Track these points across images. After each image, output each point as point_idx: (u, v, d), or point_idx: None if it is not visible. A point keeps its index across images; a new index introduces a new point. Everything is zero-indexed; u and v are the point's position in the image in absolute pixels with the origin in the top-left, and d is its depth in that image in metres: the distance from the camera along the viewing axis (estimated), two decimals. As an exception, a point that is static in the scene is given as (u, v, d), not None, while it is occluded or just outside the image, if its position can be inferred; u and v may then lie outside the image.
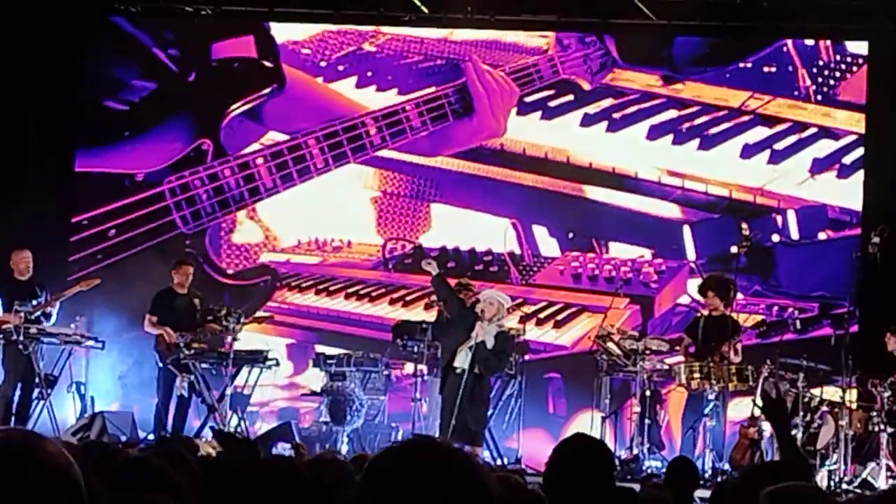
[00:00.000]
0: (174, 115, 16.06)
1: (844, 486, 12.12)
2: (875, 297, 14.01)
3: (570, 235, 15.58)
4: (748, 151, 15.29)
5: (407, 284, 15.77)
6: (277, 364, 14.57)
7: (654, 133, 15.50)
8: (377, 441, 13.98)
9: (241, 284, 16.01)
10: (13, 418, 13.42)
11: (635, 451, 13.19)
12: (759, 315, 14.89)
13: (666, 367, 13.66)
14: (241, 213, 16.12)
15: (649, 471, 12.72)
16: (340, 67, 16.22)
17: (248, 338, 14.74)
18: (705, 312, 13.57)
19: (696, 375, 13.04)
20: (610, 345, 13.61)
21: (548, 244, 15.60)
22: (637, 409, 13.35)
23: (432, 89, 16.02)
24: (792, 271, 14.98)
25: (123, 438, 13.35)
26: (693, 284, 14.65)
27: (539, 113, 15.76)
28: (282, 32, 16.17)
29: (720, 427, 13.12)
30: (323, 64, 16.22)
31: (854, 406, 12.80)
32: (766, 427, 12.71)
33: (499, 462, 13.11)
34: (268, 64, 16.05)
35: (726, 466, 12.83)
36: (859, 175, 14.88)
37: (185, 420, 13.74)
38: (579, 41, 15.64)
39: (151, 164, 15.98)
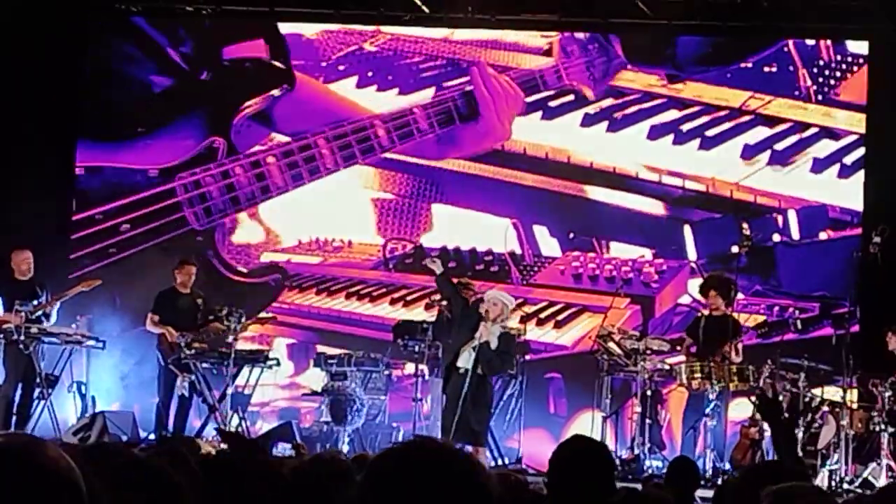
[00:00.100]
0: (187, 113, 16.10)
1: (845, 485, 12.12)
2: (876, 296, 14.01)
3: (571, 235, 15.58)
4: (749, 151, 15.28)
5: (407, 284, 15.77)
6: (278, 364, 14.58)
7: (655, 133, 15.50)
8: (378, 441, 13.99)
9: (251, 282, 16.02)
10: (14, 418, 13.43)
11: (636, 451, 13.19)
12: (760, 315, 14.89)
13: (667, 366, 13.66)
14: (243, 212, 16.14)
15: (650, 471, 12.73)
16: (341, 67, 16.23)
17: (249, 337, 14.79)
18: (706, 312, 13.58)
19: (697, 375, 13.04)
20: (611, 345, 13.62)
21: (548, 244, 15.60)
22: (638, 408, 13.36)
23: (432, 90, 16.02)
24: (793, 271, 14.98)
25: (124, 438, 13.35)
26: (694, 284, 14.65)
27: (540, 113, 15.76)
28: (284, 29, 16.21)
29: (721, 427, 13.12)
30: (323, 64, 16.22)
31: (855, 406, 12.80)
32: (767, 427, 12.72)
33: (500, 462, 13.12)
34: (279, 65, 16.08)
35: (727, 466, 12.83)
36: (860, 175, 14.88)
37: (186, 420, 13.74)
38: (582, 48, 15.62)
39: (164, 161, 16.01)
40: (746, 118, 15.35)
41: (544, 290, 15.49)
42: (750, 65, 15.40)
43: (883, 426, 12.39)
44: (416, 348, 13.94)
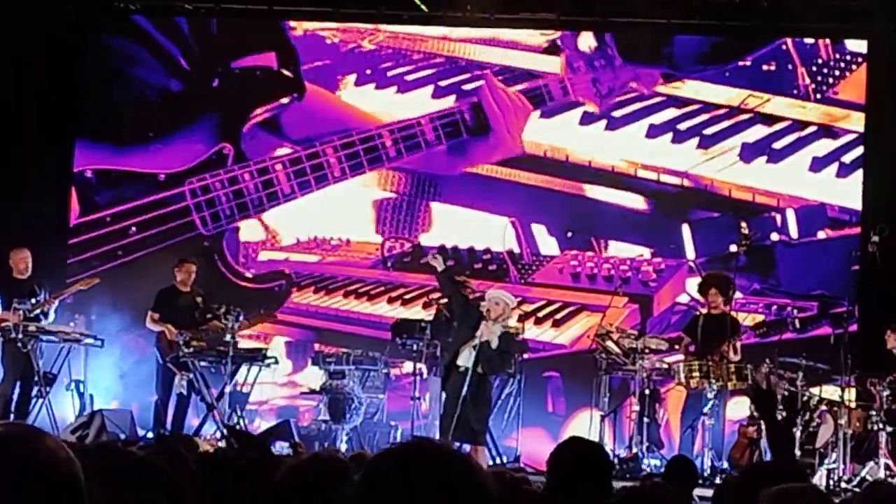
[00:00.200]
0: (196, 119, 16.11)
1: (843, 485, 12.12)
2: (874, 296, 14.01)
3: (569, 234, 15.59)
4: (747, 150, 15.28)
5: (406, 283, 15.78)
6: (276, 362, 14.59)
7: (654, 132, 15.50)
8: (376, 439, 13.99)
9: (257, 288, 16.03)
10: (12, 416, 13.42)
11: (634, 450, 13.19)
12: (759, 314, 14.89)
13: (665, 365, 13.67)
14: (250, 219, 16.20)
15: (648, 469, 12.72)
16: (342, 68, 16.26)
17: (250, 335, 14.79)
18: (704, 311, 13.59)
19: (696, 374, 13.05)
20: (609, 343, 13.62)
21: (547, 243, 15.60)
22: (636, 407, 13.35)
23: (430, 88, 16.03)
24: (791, 270, 14.98)
25: (122, 436, 13.35)
26: (692, 283, 14.65)
27: (538, 112, 15.75)
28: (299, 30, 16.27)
29: (719, 426, 13.13)
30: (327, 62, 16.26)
31: (853, 405, 12.80)
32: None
33: (498, 461, 13.12)
34: (287, 74, 16.10)
35: (725, 465, 12.83)
36: (858, 174, 14.88)
37: (184, 418, 13.75)
38: (588, 64, 15.61)
39: (173, 166, 16.03)
40: (745, 117, 15.35)
41: (542, 289, 15.49)
42: (748, 63, 15.40)
43: (881, 425, 12.40)
44: (415, 347, 13.95)
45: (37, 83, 15.58)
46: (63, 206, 16.06)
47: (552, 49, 15.83)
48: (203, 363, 13.70)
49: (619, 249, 15.47)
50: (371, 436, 14.16)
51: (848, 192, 14.90)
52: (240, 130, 16.04)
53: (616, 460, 13.09)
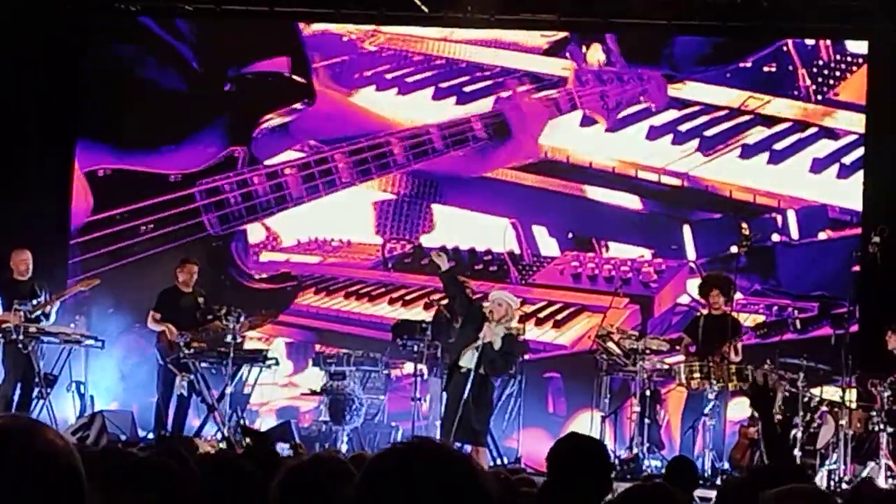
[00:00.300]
0: (209, 122, 16.13)
1: (844, 485, 12.11)
2: (875, 296, 14.01)
3: (570, 235, 15.59)
4: (748, 151, 15.28)
5: (406, 284, 15.78)
6: (277, 363, 14.59)
7: (654, 133, 15.50)
8: (377, 440, 13.99)
9: (265, 289, 16.03)
10: (13, 417, 13.42)
11: (635, 451, 13.18)
12: (760, 315, 14.89)
13: (666, 366, 13.66)
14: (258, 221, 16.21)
15: (649, 470, 12.71)
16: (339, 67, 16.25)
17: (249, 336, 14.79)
18: (705, 312, 13.59)
19: (696, 375, 13.05)
20: (610, 344, 13.61)
21: (547, 244, 15.60)
22: (637, 408, 13.35)
23: (431, 90, 16.04)
24: (792, 271, 14.98)
25: (123, 438, 13.36)
26: (693, 284, 14.64)
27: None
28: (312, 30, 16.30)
29: (720, 426, 13.13)
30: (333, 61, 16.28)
31: (854, 406, 12.80)
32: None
33: (499, 461, 13.11)
34: (299, 80, 16.11)
35: (726, 466, 12.84)
36: (859, 175, 14.87)
37: (185, 419, 13.75)
38: (597, 78, 15.61)
39: (184, 167, 16.05)
40: (745, 118, 15.35)
41: (543, 290, 15.48)
42: (749, 64, 15.40)
43: (882, 426, 12.39)
44: (415, 348, 13.94)
45: (37, 83, 15.58)
46: (63, 206, 16.06)
47: (552, 50, 15.83)
48: (204, 364, 13.70)
49: (619, 250, 15.47)
50: (372, 437, 14.16)
51: (848, 193, 14.89)
52: (251, 134, 16.07)
53: (617, 461, 13.09)
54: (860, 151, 14.93)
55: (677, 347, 13.83)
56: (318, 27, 16.23)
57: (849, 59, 15.17)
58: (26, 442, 2.09)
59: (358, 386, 14.24)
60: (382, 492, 2.21)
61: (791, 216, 15.03)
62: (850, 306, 13.72)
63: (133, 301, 14.79)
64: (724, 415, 13.13)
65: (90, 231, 16.09)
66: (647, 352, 13.52)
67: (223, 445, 12.56)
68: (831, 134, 15.12)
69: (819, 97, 15.19)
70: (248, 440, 13.29)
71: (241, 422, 13.74)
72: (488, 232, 15.69)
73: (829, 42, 15.19)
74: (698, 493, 7.86)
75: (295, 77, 16.18)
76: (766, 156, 15.24)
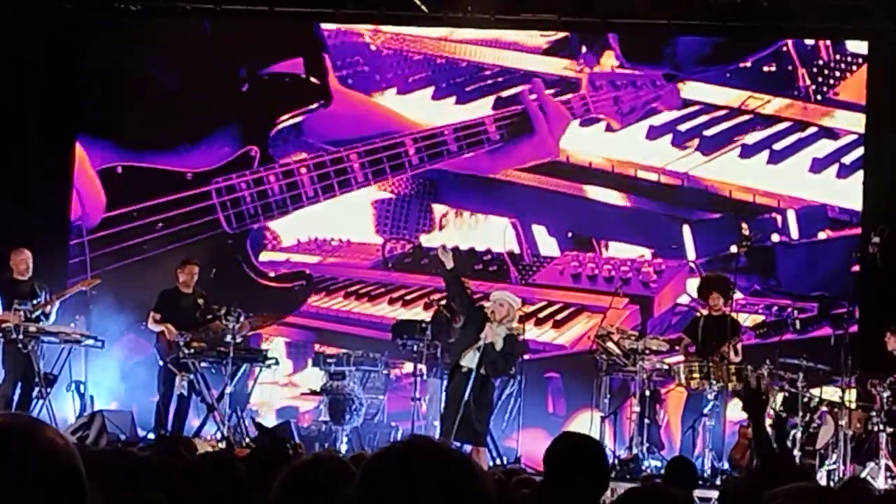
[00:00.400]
0: (225, 121, 16.11)
1: (844, 485, 12.11)
2: (875, 296, 14.01)
3: (570, 235, 15.59)
4: (748, 151, 15.28)
5: (406, 284, 15.78)
6: (277, 363, 14.59)
7: (654, 133, 15.50)
8: (376, 440, 13.99)
9: (277, 288, 16.04)
10: (12, 417, 13.42)
11: (635, 451, 13.18)
12: (759, 315, 14.89)
13: (665, 366, 13.66)
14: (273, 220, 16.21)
15: (649, 471, 12.71)
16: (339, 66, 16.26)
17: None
18: (705, 312, 13.59)
19: (696, 375, 13.05)
20: (609, 344, 13.61)
21: (547, 244, 15.61)
22: (636, 408, 13.35)
23: (431, 90, 16.04)
24: (792, 271, 14.98)
25: (123, 437, 13.37)
26: (693, 284, 14.64)
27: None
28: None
29: (720, 427, 13.13)
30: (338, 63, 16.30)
31: (853, 406, 12.80)
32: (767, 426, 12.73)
33: (499, 461, 13.12)
34: (315, 81, 16.11)
35: (726, 466, 12.84)
36: (859, 175, 14.88)
37: (185, 419, 13.75)
38: (610, 84, 15.59)
39: (200, 166, 16.06)
40: (745, 118, 15.35)
41: (543, 290, 15.49)
42: (749, 64, 15.40)
43: (881, 426, 12.40)
44: (415, 348, 13.94)
45: (37, 83, 15.57)
46: (63, 206, 16.07)
47: (552, 50, 15.83)
48: (203, 364, 13.70)
49: (619, 250, 15.47)
50: (371, 436, 14.16)
51: (848, 193, 14.90)
52: (267, 134, 16.08)
53: (617, 461, 13.10)
54: (860, 151, 14.94)
55: (677, 348, 13.84)
56: (329, 27, 16.20)
57: (849, 58, 15.17)
58: (27, 440, 2.10)
59: (358, 386, 14.24)
60: (381, 491, 2.21)
61: (791, 216, 15.03)
62: (850, 306, 13.73)
63: (136, 300, 14.79)
64: (723, 415, 13.13)
65: (105, 228, 16.08)
66: (647, 352, 13.52)
67: (223, 445, 12.56)
68: (831, 134, 15.12)
69: (819, 97, 15.19)
70: (247, 440, 13.32)
71: (239, 424, 13.75)
72: (488, 232, 15.69)
73: (828, 42, 15.19)
74: (698, 493, 7.86)
75: (311, 78, 16.17)
76: (765, 155, 15.24)
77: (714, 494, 10.46)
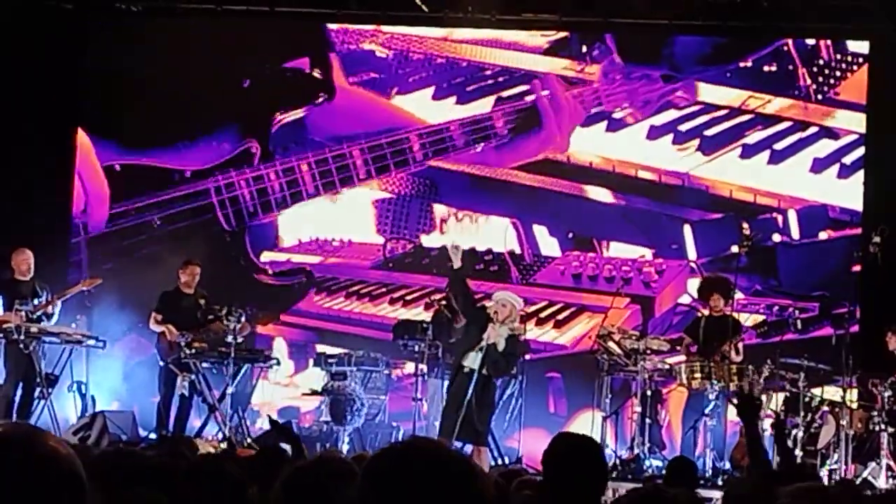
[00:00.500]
0: (226, 118, 16.08)
1: (845, 485, 12.11)
2: (875, 296, 14.01)
3: (570, 235, 15.59)
4: (748, 151, 15.28)
5: (407, 284, 15.78)
6: (278, 363, 14.59)
7: (655, 133, 15.50)
8: (378, 440, 13.99)
9: (277, 284, 16.02)
10: (14, 417, 13.43)
11: (636, 451, 13.19)
12: (760, 315, 14.89)
13: (667, 366, 13.67)
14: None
15: (650, 471, 12.73)
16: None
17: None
18: (706, 312, 13.60)
19: (697, 375, 13.06)
20: (611, 344, 13.62)
21: (548, 244, 15.61)
22: (638, 408, 13.36)
23: (431, 90, 16.04)
24: (793, 271, 14.98)
25: (124, 438, 13.38)
26: (694, 284, 14.65)
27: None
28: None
29: (721, 427, 13.14)
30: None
31: (854, 406, 12.80)
32: (767, 426, 12.73)
33: (500, 462, 13.12)
34: (318, 75, 16.08)
35: (727, 466, 12.84)
36: (860, 175, 14.88)
37: (186, 419, 13.76)
38: (624, 76, 15.56)
39: (200, 163, 16.04)
40: (746, 118, 15.35)
41: (544, 290, 15.49)
42: (749, 64, 15.40)
43: (882, 426, 12.40)
44: (416, 348, 13.94)
45: (37, 83, 15.58)
46: (64, 205, 16.07)
47: (553, 50, 15.83)
48: (205, 364, 13.71)
49: (620, 250, 15.47)
50: (373, 437, 14.17)
51: (849, 193, 14.90)
52: (268, 130, 16.05)
53: (618, 461, 13.11)
54: (861, 151, 14.94)
55: (678, 348, 13.84)
56: (332, 26, 16.20)
57: (849, 58, 15.17)
58: (28, 449, 2.10)
59: (359, 386, 14.24)
60: (382, 491, 2.22)
61: (792, 216, 15.04)
62: (851, 306, 13.74)
63: (137, 300, 14.79)
64: (724, 415, 13.14)
65: (112, 224, 16.10)
66: (648, 352, 13.53)
67: (224, 446, 12.56)
68: (832, 134, 15.12)
69: (819, 97, 15.19)
70: (248, 440, 13.32)
71: (240, 424, 13.75)
72: (489, 232, 15.69)
73: (829, 42, 15.19)
74: (699, 493, 7.85)
75: (314, 73, 16.13)
76: (766, 155, 15.24)
77: (715, 494, 10.47)
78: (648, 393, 13.36)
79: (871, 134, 14.83)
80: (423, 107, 16.05)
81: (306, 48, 16.16)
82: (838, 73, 15.17)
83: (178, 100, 15.97)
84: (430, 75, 16.14)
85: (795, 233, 15.02)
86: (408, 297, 15.73)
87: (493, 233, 15.68)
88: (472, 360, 11.67)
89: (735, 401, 11.76)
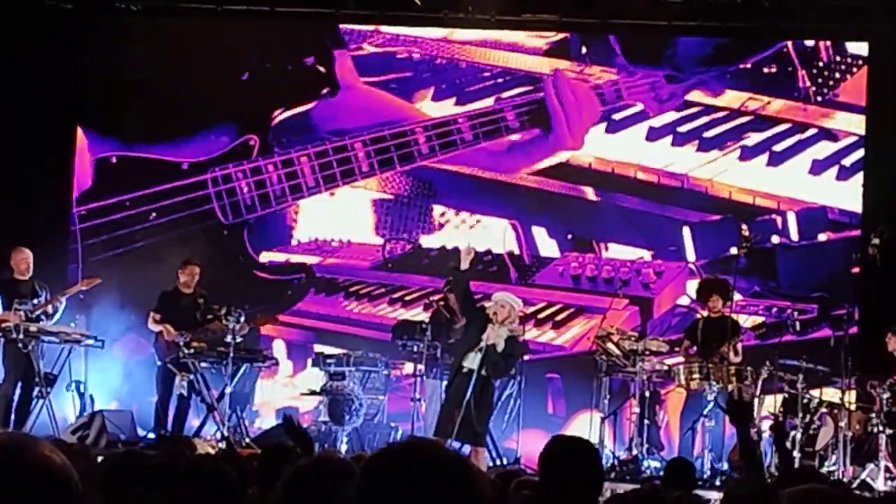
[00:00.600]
0: (225, 111, 16.04)
1: (843, 487, 12.11)
2: (874, 298, 14.02)
3: (569, 236, 15.59)
4: (748, 153, 15.29)
5: (406, 284, 15.78)
6: (277, 363, 14.58)
7: (654, 134, 15.50)
8: (376, 440, 13.99)
9: (274, 279, 16.00)
10: (13, 417, 13.44)
11: (634, 452, 13.19)
12: (759, 316, 14.89)
13: (665, 367, 13.67)
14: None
15: (648, 471, 12.72)
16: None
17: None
18: (705, 314, 13.60)
19: (696, 376, 13.06)
20: (609, 345, 13.62)
21: (547, 245, 15.61)
22: (636, 409, 13.35)
23: (431, 90, 16.04)
24: (791, 272, 14.98)
25: (122, 437, 13.38)
26: (692, 286, 14.64)
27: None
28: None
29: (719, 428, 13.13)
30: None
31: (853, 407, 12.81)
32: (765, 428, 12.74)
33: (498, 462, 13.12)
34: (321, 69, 16.04)
35: (725, 467, 12.84)
36: (859, 176, 14.88)
37: (185, 419, 13.76)
38: (646, 72, 15.51)
39: (198, 155, 16.01)
40: (745, 119, 15.35)
41: (543, 291, 15.49)
42: (749, 66, 15.40)
43: (881, 428, 12.40)
44: (415, 348, 13.94)
45: (37, 83, 15.58)
46: (63, 204, 16.07)
47: (552, 51, 15.83)
48: (203, 364, 13.71)
49: (619, 251, 15.47)
50: (371, 437, 14.17)
51: (848, 195, 14.91)
52: (268, 124, 16.01)
53: (616, 462, 13.11)
54: (860, 153, 14.94)
55: (677, 349, 13.85)
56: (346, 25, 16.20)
57: (849, 60, 15.17)
58: (21, 458, 2.10)
59: (357, 386, 14.24)
60: (380, 491, 2.23)
61: (791, 218, 15.04)
62: (850, 308, 13.74)
63: (137, 300, 14.79)
64: (723, 416, 13.12)
65: (98, 216, 16.05)
66: (647, 353, 13.53)
67: (223, 445, 12.56)
68: (831, 135, 15.12)
69: (819, 98, 15.19)
70: (247, 440, 13.31)
71: (239, 424, 13.75)
72: (488, 232, 15.69)
73: (829, 43, 15.19)
74: (697, 494, 7.85)
75: (318, 66, 16.08)
76: (765, 157, 15.24)
77: (714, 495, 10.47)
78: (647, 394, 13.36)
79: (871, 135, 14.84)
80: (420, 108, 16.03)
81: (307, 48, 16.14)
82: (838, 75, 15.18)
83: (178, 99, 15.97)
84: (430, 76, 16.13)
85: (794, 234, 15.03)
86: (407, 298, 15.73)
87: (492, 234, 15.67)
88: (472, 361, 11.66)
89: (726, 406, 11.81)
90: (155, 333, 13.86)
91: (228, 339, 13.45)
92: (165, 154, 16.05)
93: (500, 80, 15.93)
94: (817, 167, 15.10)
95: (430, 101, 16.04)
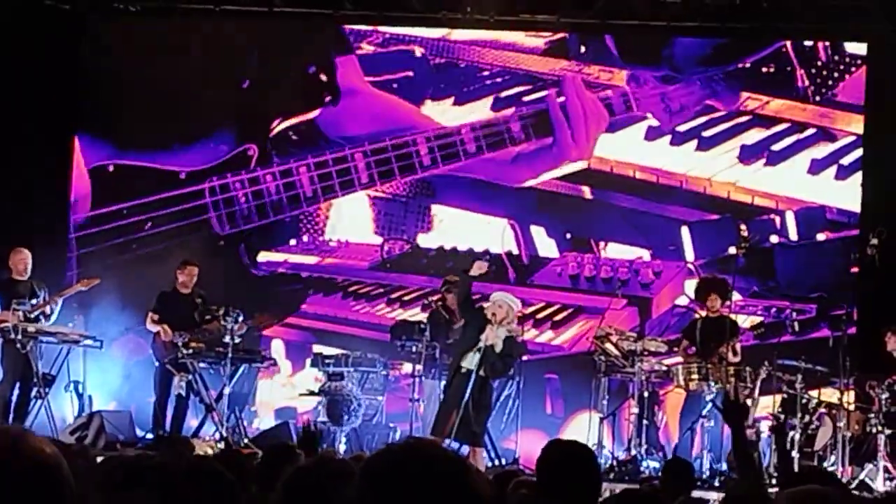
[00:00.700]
0: (224, 120, 16.01)
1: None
2: (873, 298, 14.02)
3: (568, 236, 15.59)
4: (746, 152, 15.28)
5: (405, 284, 15.78)
6: (275, 364, 14.58)
7: (653, 134, 15.50)
8: (375, 441, 13.99)
9: (272, 290, 15.98)
10: (11, 417, 13.44)
11: (633, 452, 13.19)
12: (758, 316, 14.89)
13: (664, 367, 13.67)
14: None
15: (647, 472, 12.73)
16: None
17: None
18: (703, 314, 13.60)
19: (694, 376, 13.06)
20: (608, 345, 13.62)
21: (545, 245, 15.61)
22: (635, 409, 13.36)
23: (430, 90, 16.03)
24: (790, 272, 14.98)
25: (121, 438, 13.38)
26: (691, 285, 14.64)
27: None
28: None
29: (718, 428, 13.12)
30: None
31: (852, 408, 12.82)
32: (764, 428, 12.75)
33: (496, 462, 13.13)
34: (323, 78, 16.01)
35: (724, 467, 12.84)
36: (857, 176, 14.88)
37: (183, 419, 13.76)
38: (657, 78, 15.43)
39: (196, 164, 15.98)
40: (744, 119, 15.35)
41: (541, 291, 15.48)
42: (748, 65, 15.40)
43: (880, 428, 12.41)
44: (414, 349, 13.94)
45: (36, 83, 15.57)
46: (63, 205, 16.07)
47: (551, 51, 15.83)
48: (202, 364, 13.71)
49: (617, 251, 15.47)
50: (370, 437, 14.16)
51: (847, 195, 14.90)
52: (266, 132, 15.99)
53: (615, 462, 13.11)
54: (858, 153, 14.94)
55: (675, 349, 13.85)
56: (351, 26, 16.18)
57: (847, 59, 15.17)
58: (12, 448, 2.10)
59: (356, 386, 14.24)
60: (379, 491, 2.23)
61: (789, 217, 15.04)
62: (849, 308, 13.74)
63: (135, 300, 14.79)
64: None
65: (94, 225, 16.05)
66: (646, 353, 13.54)
67: (221, 446, 12.57)
68: (829, 135, 15.12)
69: (818, 98, 15.19)
70: (245, 440, 13.31)
71: (238, 424, 13.75)
72: (486, 232, 15.68)
73: (827, 43, 15.19)
74: (696, 494, 7.86)
75: (319, 75, 16.06)
76: (764, 157, 15.24)
77: (712, 496, 10.48)
78: (646, 394, 13.36)
79: (869, 135, 14.83)
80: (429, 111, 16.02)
81: (308, 54, 16.11)
82: (836, 75, 15.18)
83: (177, 100, 15.95)
84: (429, 76, 16.12)
85: (793, 234, 15.03)
86: (405, 298, 15.73)
87: (491, 233, 15.66)
88: (470, 361, 11.67)
89: (721, 406, 11.81)
90: (153, 334, 13.87)
91: (227, 339, 13.45)
92: (163, 163, 16.02)
93: (498, 80, 15.92)
94: (816, 167, 15.10)
95: (430, 100, 16.02)
